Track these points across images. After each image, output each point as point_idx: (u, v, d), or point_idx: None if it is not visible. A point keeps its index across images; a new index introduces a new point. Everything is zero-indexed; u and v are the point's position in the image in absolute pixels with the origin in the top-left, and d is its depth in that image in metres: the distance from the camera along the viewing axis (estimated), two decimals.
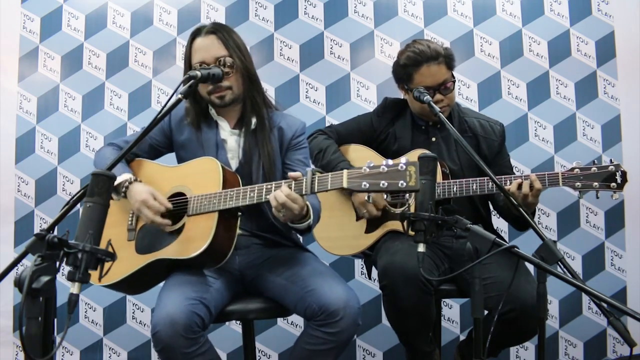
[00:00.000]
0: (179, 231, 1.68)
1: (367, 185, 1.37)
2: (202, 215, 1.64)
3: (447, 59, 2.07)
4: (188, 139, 1.87)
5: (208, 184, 1.67)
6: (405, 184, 1.33)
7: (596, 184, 1.85)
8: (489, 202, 2.24)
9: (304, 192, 1.52)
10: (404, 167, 1.34)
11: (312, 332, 1.62)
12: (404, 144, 2.17)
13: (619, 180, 1.84)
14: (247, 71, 1.82)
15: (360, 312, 1.64)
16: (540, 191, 1.88)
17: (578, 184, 1.87)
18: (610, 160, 1.87)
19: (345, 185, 1.41)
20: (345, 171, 1.42)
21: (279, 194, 1.53)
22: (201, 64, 1.76)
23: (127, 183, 1.73)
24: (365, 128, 2.25)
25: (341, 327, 1.58)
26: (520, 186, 1.88)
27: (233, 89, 1.81)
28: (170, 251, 1.66)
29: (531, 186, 1.87)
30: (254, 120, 1.84)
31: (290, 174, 1.56)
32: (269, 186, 1.58)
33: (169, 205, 1.70)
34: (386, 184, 1.35)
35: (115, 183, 1.53)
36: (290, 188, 1.53)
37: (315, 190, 1.50)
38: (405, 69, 2.08)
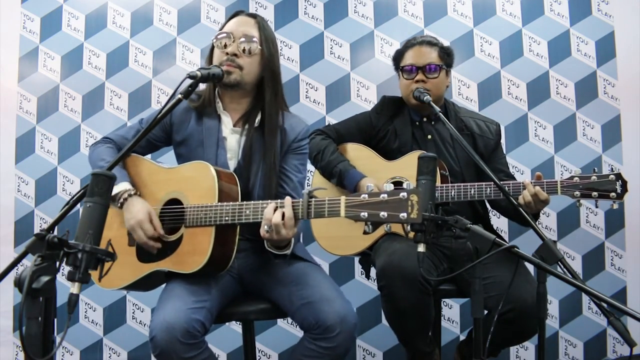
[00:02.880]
0: (177, 242, 1.66)
1: (366, 215, 1.32)
2: (199, 228, 1.62)
3: (442, 50, 2.16)
4: (189, 135, 1.83)
5: (204, 194, 1.64)
6: (406, 215, 1.26)
7: (595, 193, 1.83)
8: (487, 203, 2.23)
9: (300, 217, 1.49)
10: (406, 196, 1.27)
11: (308, 345, 1.60)
12: (405, 140, 2.18)
13: (618, 190, 1.81)
14: (269, 64, 1.77)
15: (357, 327, 1.62)
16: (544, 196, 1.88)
17: (577, 192, 1.85)
18: (611, 168, 1.85)
19: (342, 214, 1.37)
20: (343, 198, 1.38)
21: (277, 215, 1.48)
22: (226, 36, 1.74)
23: (126, 195, 1.69)
24: (364, 126, 2.26)
25: (337, 342, 1.57)
26: (533, 194, 1.87)
27: (243, 71, 1.74)
28: (171, 263, 1.65)
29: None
30: (258, 118, 1.80)
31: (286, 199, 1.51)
32: (265, 205, 1.54)
33: (161, 232, 1.66)
34: (386, 215, 1.29)
35: (113, 193, 1.49)
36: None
37: (312, 216, 1.46)
38: (402, 48, 2.22)
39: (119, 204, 1.69)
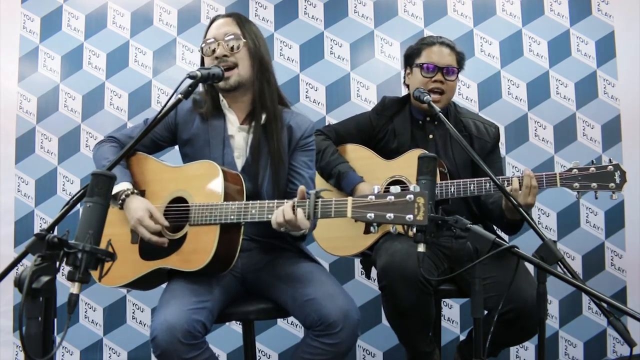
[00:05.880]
0: (181, 240, 1.66)
1: (373, 216, 1.33)
2: (203, 226, 1.62)
3: (458, 55, 2.19)
4: (195, 135, 1.84)
5: (209, 193, 1.64)
6: (412, 217, 1.28)
7: (594, 184, 1.83)
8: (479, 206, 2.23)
9: (306, 217, 1.49)
10: (412, 198, 1.28)
11: (311, 342, 1.61)
12: (404, 140, 2.17)
13: (617, 181, 1.81)
14: (259, 57, 1.80)
15: (360, 323, 1.63)
16: (537, 189, 1.87)
17: (576, 184, 1.85)
18: (609, 160, 1.85)
19: (349, 215, 1.38)
20: (350, 199, 1.39)
21: (288, 213, 1.48)
22: (211, 42, 1.77)
23: (123, 195, 1.69)
24: (364, 127, 2.26)
25: (340, 338, 1.58)
26: (520, 185, 1.87)
27: (239, 68, 1.76)
28: (174, 261, 1.65)
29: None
30: (264, 116, 1.80)
31: (300, 188, 1.52)
32: (271, 204, 1.55)
33: (165, 223, 1.66)
34: (392, 216, 1.30)
35: (113, 192, 1.49)
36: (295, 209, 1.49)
37: (318, 216, 1.47)
38: (418, 45, 2.20)
39: (119, 204, 1.70)
